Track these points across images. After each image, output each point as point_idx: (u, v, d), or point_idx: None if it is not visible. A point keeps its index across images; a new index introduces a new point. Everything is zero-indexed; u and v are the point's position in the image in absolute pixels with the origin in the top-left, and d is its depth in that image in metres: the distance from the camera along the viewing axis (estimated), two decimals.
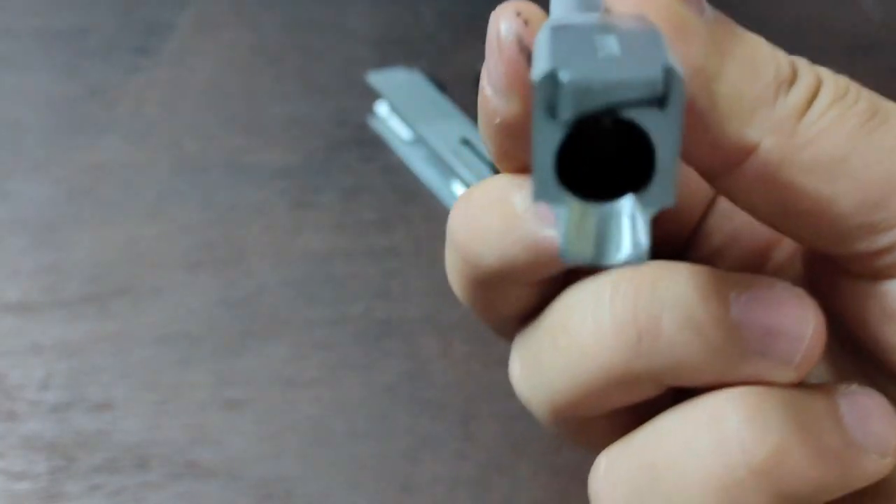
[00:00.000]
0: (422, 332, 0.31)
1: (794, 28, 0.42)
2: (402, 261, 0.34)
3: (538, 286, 0.18)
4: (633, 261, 0.12)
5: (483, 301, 0.19)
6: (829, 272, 0.18)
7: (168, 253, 0.34)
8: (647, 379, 0.17)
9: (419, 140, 0.38)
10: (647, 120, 0.12)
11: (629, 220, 0.12)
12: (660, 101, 0.12)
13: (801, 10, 0.43)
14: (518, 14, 0.16)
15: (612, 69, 0.12)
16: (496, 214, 0.18)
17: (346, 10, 0.45)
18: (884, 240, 0.16)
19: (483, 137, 0.18)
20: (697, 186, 0.18)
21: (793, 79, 0.16)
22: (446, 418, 0.29)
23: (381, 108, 0.39)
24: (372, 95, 0.39)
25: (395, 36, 0.44)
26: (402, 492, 0.28)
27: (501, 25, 0.16)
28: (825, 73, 0.16)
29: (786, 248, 0.20)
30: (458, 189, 0.35)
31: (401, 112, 0.38)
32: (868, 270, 0.17)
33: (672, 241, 0.20)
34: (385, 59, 0.42)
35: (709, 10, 0.16)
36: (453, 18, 0.45)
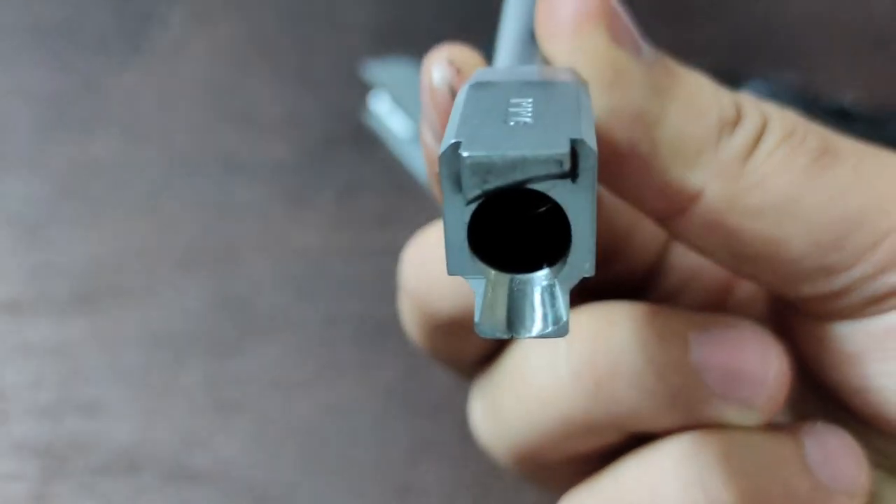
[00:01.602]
0: None
1: (802, 24, 0.42)
2: (400, 259, 0.33)
3: None
4: (551, 335, 0.12)
5: (440, 347, 0.19)
6: (789, 312, 0.18)
7: (161, 251, 0.34)
8: (608, 426, 0.17)
9: (418, 134, 0.37)
10: (559, 193, 0.11)
11: (547, 292, 0.12)
12: (570, 173, 0.11)
13: (807, 6, 0.43)
14: (450, 62, 0.16)
15: (518, 142, 0.11)
16: None
17: (343, 2, 0.45)
18: (838, 282, 0.16)
19: (429, 182, 0.17)
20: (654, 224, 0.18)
21: (737, 119, 0.15)
22: (445, 421, 0.29)
23: (376, 103, 0.39)
24: (370, 89, 0.39)
25: (393, 27, 0.44)
26: (401, 495, 0.27)
27: (434, 73, 0.16)
28: (771, 111, 0.16)
29: (748, 284, 0.19)
30: None
31: (400, 103, 0.38)
32: (824, 312, 0.17)
33: (631, 279, 0.20)
34: (383, 52, 0.41)
35: (646, 51, 0.15)
36: (453, 8, 0.45)
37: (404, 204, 0.36)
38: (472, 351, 0.19)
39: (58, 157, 0.37)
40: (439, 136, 0.16)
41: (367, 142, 0.38)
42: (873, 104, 0.22)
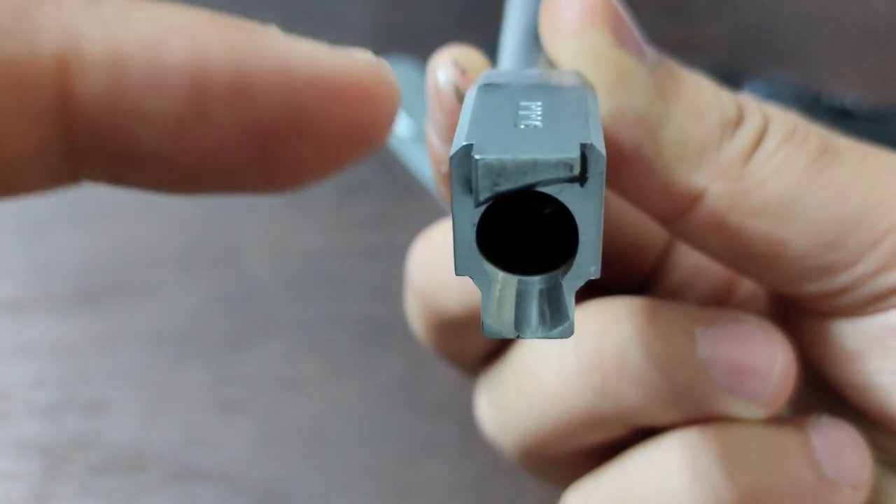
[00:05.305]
0: None
1: (802, 24, 0.42)
2: (401, 259, 0.33)
3: None
4: (557, 335, 0.12)
5: (446, 345, 0.19)
6: (790, 309, 0.18)
7: (162, 251, 0.34)
8: (614, 420, 0.17)
9: (419, 134, 0.37)
10: (567, 196, 0.11)
11: (553, 294, 0.12)
12: (579, 178, 0.11)
13: (807, 6, 0.43)
14: (455, 64, 0.16)
15: (529, 146, 0.11)
16: None
17: (343, 2, 0.45)
18: (838, 280, 0.16)
19: (435, 182, 0.17)
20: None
21: (738, 120, 0.16)
22: (446, 420, 0.29)
23: None
24: None
25: (393, 27, 0.44)
26: (402, 495, 0.27)
27: (439, 75, 0.16)
28: (772, 112, 0.16)
29: (750, 282, 0.20)
30: None
31: (402, 104, 0.38)
32: (825, 310, 0.17)
33: (636, 276, 0.20)
34: (383, 52, 0.41)
35: (650, 54, 0.15)
36: (454, 8, 0.45)
37: (404, 204, 0.36)
38: (478, 348, 0.19)
39: None
40: (445, 138, 0.16)
41: None
42: (873, 103, 0.22)
